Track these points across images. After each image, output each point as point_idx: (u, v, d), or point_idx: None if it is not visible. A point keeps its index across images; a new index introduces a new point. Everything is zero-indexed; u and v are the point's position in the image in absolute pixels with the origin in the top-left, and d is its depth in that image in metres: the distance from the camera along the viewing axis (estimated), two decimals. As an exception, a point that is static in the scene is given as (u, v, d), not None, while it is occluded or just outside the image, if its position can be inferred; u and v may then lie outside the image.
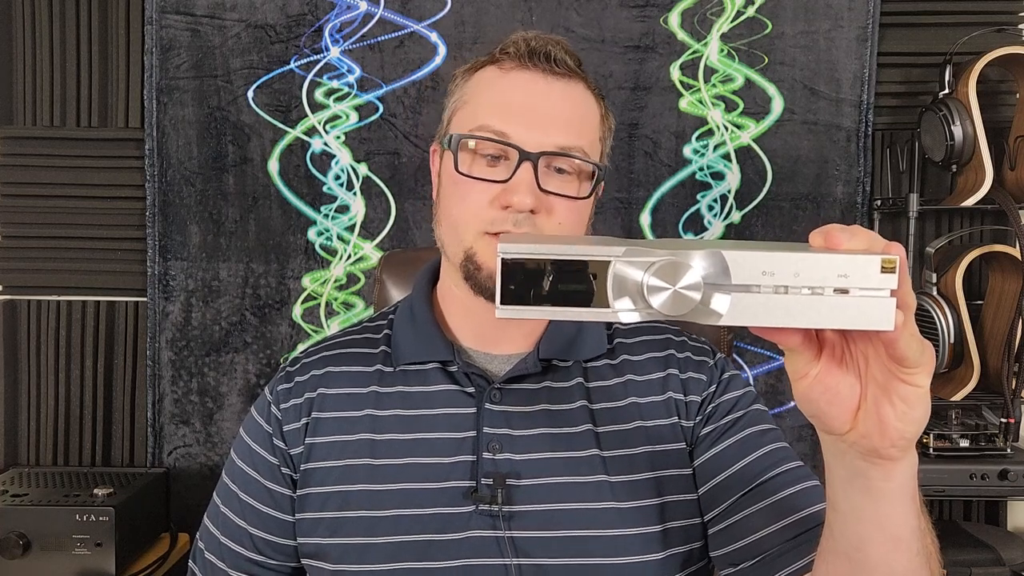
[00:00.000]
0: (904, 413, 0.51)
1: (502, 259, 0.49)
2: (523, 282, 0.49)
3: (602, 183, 0.87)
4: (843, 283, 0.47)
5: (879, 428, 0.52)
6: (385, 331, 0.90)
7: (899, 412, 0.51)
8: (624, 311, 0.49)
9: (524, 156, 0.78)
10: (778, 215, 1.80)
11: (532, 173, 0.78)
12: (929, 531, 0.62)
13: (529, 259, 0.49)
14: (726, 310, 0.48)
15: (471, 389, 0.84)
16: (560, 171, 0.80)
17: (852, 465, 0.55)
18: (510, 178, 0.78)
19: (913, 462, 0.55)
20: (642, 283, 0.49)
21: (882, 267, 0.47)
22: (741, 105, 1.78)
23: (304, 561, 0.84)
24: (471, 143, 0.80)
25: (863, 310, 0.47)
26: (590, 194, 0.83)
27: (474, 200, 0.80)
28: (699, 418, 0.84)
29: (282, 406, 0.86)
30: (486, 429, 0.82)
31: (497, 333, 0.86)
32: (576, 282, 0.49)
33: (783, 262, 0.47)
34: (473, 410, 0.83)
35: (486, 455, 0.81)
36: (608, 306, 0.49)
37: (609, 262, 0.49)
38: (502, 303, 0.49)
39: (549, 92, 0.81)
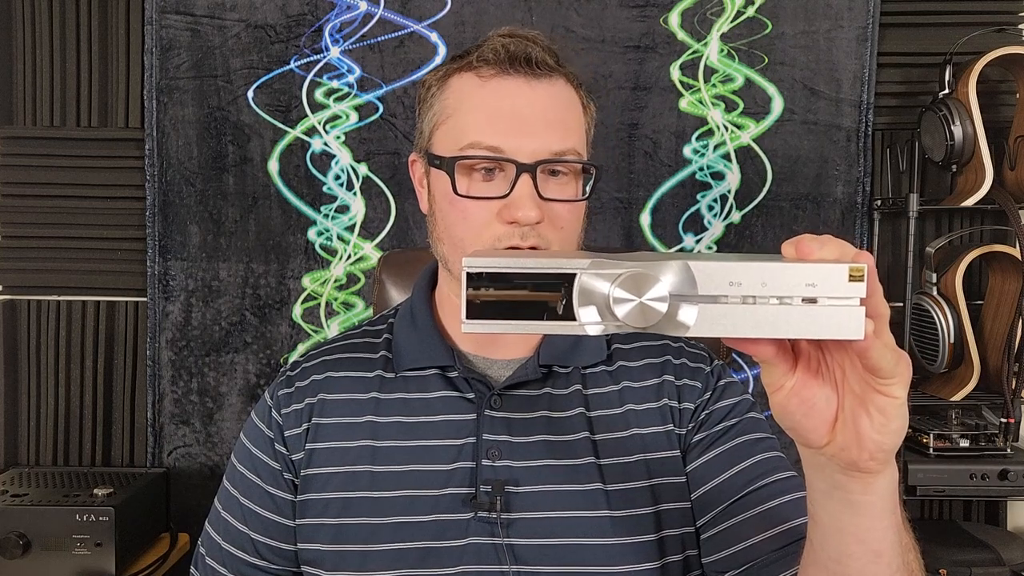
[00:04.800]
0: (882, 425, 0.50)
1: (467, 273, 0.49)
2: (489, 296, 0.49)
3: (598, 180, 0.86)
4: (811, 292, 0.46)
5: (857, 440, 0.51)
6: (385, 336, 0.90)
7: (876, 424, 0.50)
8: (590, 324, 0.49)
9: (521, 169, 0.77)
10: (778, 215, 1.80)
11: (531, 185, 0.77)
12: (913, 547, 0.61)
13: (495, 273, 0.49)
14: (693, 321, 0.48)
15: (471, 395, 0.83)
16: (555, 173, 0.80)
17: (831, 478, 0.55)
18: (509, 192, 0.77)
19: (893, 476, 0.55)
20: (608, 295, 0.48)
21: (850, 276, 0.46)
22: (741, 105, 1.78)
23: (303, 567, 0.84)
24: (465, 162, 0.79)
25: (832, 319, 0.46)
26: (588, 194, 0.83)
27: (476, 218, 0.78)
28: (692, 425, 0.84)
29: (283, 411, 0.86)
30: (486, 435, 0.81)
31: (497, 338, 0.85)
32: (542, 295, 0.49)
33: (750, 272, 0.47)
34: (473, 416, 0.82)
35: (485, 462, 0.80)
36: (574, 319, 0.49)
37: (575, 275, 0.49)
38: (468, 317, 0.49)
39: (534, 97, 0.79)
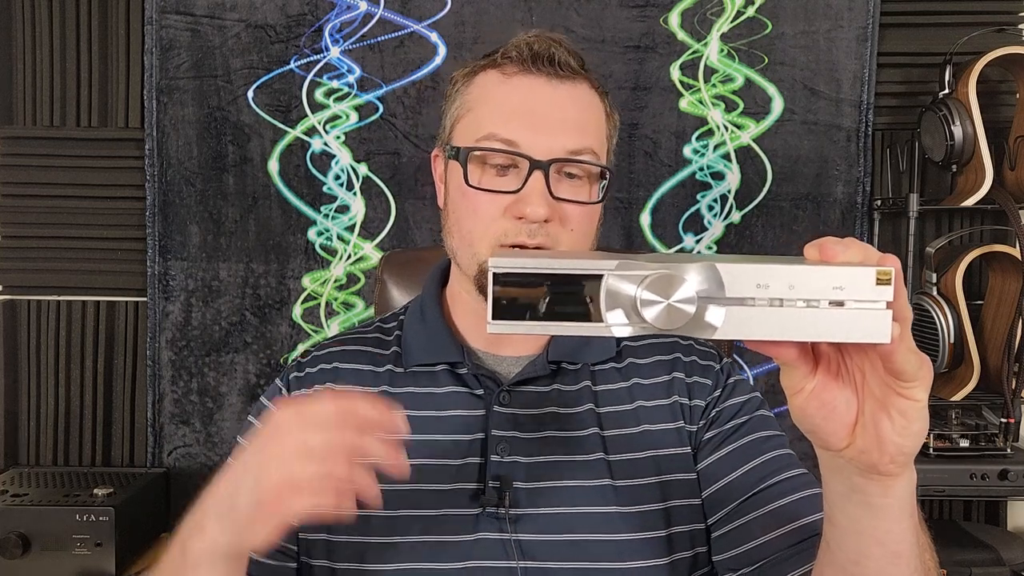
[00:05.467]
0: (903, 428, 0.50)
1: (494, 274, 0.49)
2: (515, 297, 0.49)
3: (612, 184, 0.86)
4: (838, 295, 0.46)
5: (877, 443, 0.51)
6: (396, 332, 0.90)
7: (898, 427, 0.50)
8: (617, 325, 0.49)
9: (535, 165, 0.77)
10: (778, 215, 1.80)
11: (543, 182, 0.77)
12: (928, 547, 0.61)
13: (521, 274, 0.49)
14: (721, 323, 0.47)
15: (480, 391, 0.84)
16: (570, 176, 0.80)
17: (850, 481, 0.54)
18: (521, 188, 0.77)
19: (912, 478, 0.55)
20: (635, 297, 0.48)
21: (877, 279, 0.46)
22: (741, 105, 1.78)
23: (311, 560, 0.83)
24: (479, 154, 0.79)
25: (859, 323, 0.46)
26: (602, 198, 0.83)
27: (486, 212, 0.79)
28: (703, 422, 0.84)
29: (293, 394, 0.86)
30: (494, 431, 0.81)
31: (508, 335, 0.85)
32: (568, 296, 0.49)
33: (778, 274, 0.47)
34: (482, 412, 0.83)
35: (494, 458, 0.80)
36: (601, 320, 0.49)
37: (602, 276, 0.48)
38: (493, 318, 0.49)
39: (554, 96, 0.80)
